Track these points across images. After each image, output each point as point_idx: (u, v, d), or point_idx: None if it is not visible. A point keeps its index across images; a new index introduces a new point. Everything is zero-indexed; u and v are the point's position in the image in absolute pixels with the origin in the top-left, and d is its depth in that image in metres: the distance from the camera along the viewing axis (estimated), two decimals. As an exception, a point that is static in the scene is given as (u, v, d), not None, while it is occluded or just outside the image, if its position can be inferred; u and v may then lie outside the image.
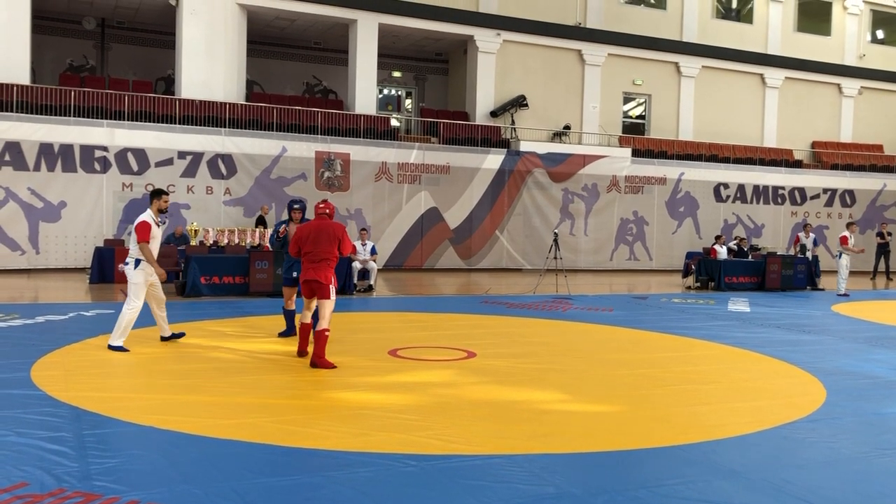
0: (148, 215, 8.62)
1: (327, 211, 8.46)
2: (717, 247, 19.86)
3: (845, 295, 17.79)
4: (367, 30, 22.98)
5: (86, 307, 12.13)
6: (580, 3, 25.82)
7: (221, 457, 5.01)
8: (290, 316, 9.74)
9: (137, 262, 8.52)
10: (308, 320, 8.51)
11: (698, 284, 19.08)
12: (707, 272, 19.11)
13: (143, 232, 8.48)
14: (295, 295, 9.63)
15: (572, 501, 4.39)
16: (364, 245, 16.41)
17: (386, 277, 19.38)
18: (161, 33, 23.21)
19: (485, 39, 24.40)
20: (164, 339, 9.10)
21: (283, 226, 9.83)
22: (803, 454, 5.52)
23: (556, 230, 19.81)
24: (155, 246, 8.61)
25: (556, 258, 16.96)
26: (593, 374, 8.14)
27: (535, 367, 8.34)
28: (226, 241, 15.85)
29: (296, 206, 9.68)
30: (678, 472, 4.98)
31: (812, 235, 20.98)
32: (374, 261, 16.46)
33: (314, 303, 8.42)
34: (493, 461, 5.05)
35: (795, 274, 19.43)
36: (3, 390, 6.55)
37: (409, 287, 17.68)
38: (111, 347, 8.47)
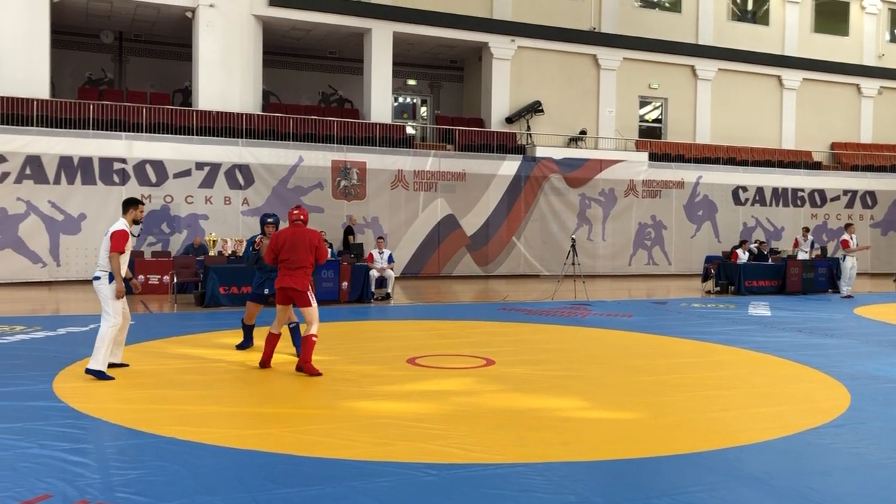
0: (123, 224, 7.90)
1: (301, 217, 8.33)
2: (739, 251, 19.68)
3: (849, 297, 17.72)
4: (381, 39, 23.08)
5: (107, 318, 12.19)
6: (594, 8, 25.79)
7: (243, 467, 5.02)
8: (249, 329, 9.60)
9: (112, 275, 7.76)
10: (277, 331, 8.38)
11: (718, 289, 18.94)
12: (727, 276, 18.96)
13: (120, 241, 7.72)
14: (258, 312, 9.51)
15: (594, 510, 4.36)
16: (381, 253, 16.43)
17: (403, 285, 19.38)
18: (178, 45, 23.41)
19: (499, 46, 24.42)
20: (110, 364, 7.88)
21: (258, 238, 9.58)
22: (827, 460, 5.45)
23: (573, 236, 19.71)
24: (125, 259, 7.85)
25: (573, 264, 16.90)
26: (613, 380, 8.09)
27: (554, 375, 8.30)
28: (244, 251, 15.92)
29: (269, 221, 9.47)
30: (700, 479, 4.93)
31: (810, 238, 20.76)
32: (392, 269, 16.47)
33: (286, 313, 8.38)
34: (513, 470, 5.02)
35: (816, 277, 19.25)
36: (26, 402, 6.61)
37: (426, 295, 17.67)
38: (90, 372, 7.57)
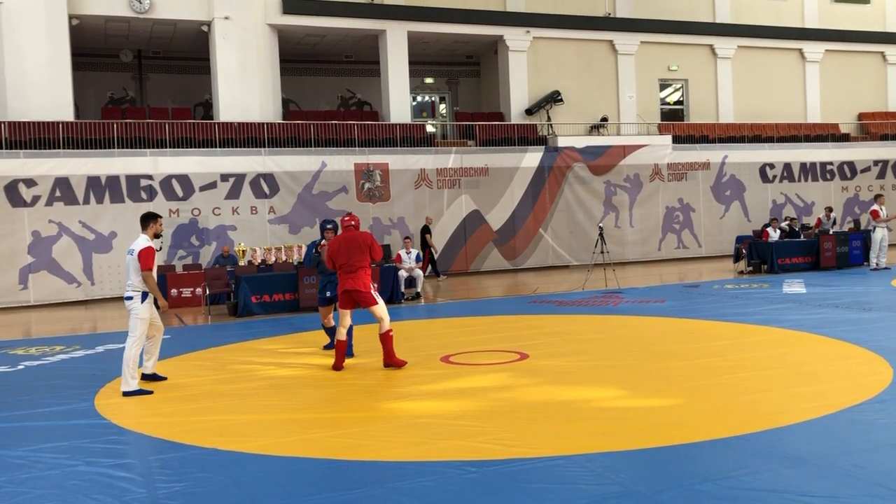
0: (147, 241, 7.94)
1: (353, 223, 8.73)
2: (769, 229, 19.44)
3: (886, 268, 17.47)
4: (396, 39, 23.11)
5: (143, 334, 12.36)
6: (608, -6, 25.60)
7: (284, 474, 5.06)
8: (331, 332, 9.84)
9: (144, 295, 7.84)
10: (343, 337, 8.61)
11: (750, 268, 18.72)
12: (759, 255, 18.74)
13: (148, 258, 7.77)
14: (331, 313, 9.79)
15: (638, 499, 4.33)
16: (409, 253, 16.47)
17: (432, 284, 19.42)
18: (196, 60, 23.65)
19: (514, 38, 24.34)
20: (145, 376, 8.12)
21: (321, 243, 9.82)
22: (873, 437, 5.36)
23: (600, 224, 19.60)
24: (154, 274, 7.91)
25: (602, 252, 16.80)
26: (649, 367, 8.02)
27: (589, 365, 8.27)
28: (273, 259, 16.07)
29: (328, 227, 9.73)
30: (743, 462, 4.87)
31: (833, 217, 20.47)
32: (420, 268, 16.50)
33: (349, 317, 8.62)
34: (554, 463, 5.01)
35: (851, 250, 18.93)
36: (70, 421, 6.72)
37: (456, 292, 17.68)
38: (126, 394, 7.65)
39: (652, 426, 5.83)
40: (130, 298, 7.88)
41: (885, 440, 5.26)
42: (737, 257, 20.02)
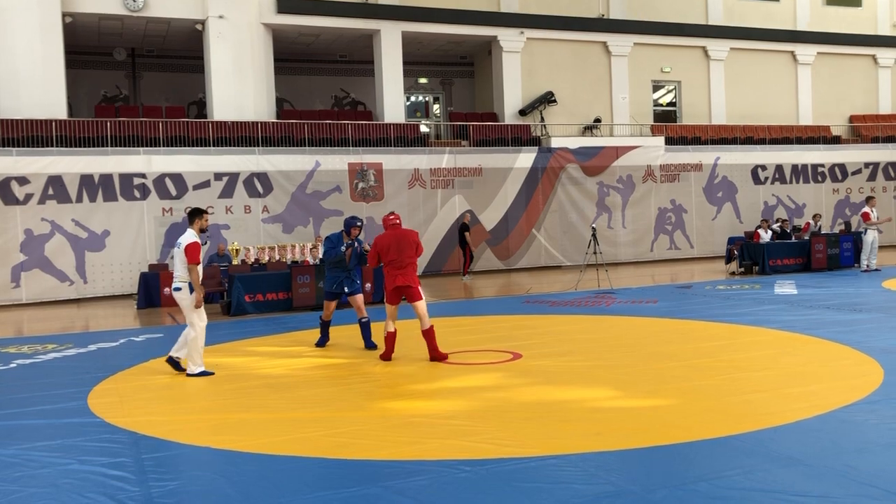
0: (193, 235, 8.33)
1: (398, 221, 9.08)
2: (760, 231, 19.54)
3: (876, 270, 17.61)
4: (390, 39, 23.10)
5: (135, 332, 12.36)
6: (602, -5, 25.67)
7: (278, 473, 5.07)
8: (325, 326, 10.16)
9: (192, 286, 8.26)
10: (393, 329, 8.90)
11: (742, 269, 18.80)
12: (750, 256, 18.82)
13: (194, 253, 8.19)
14: (334, 308, 10.11)
15: (631, 499, 4.36)
16: (403, 253, 16.45)
17: (426, 283, 19.38)
18: (190, 58, 23.58)
19: (508, 39, 24.36)
20: (170, 360, 8.63)
21: (353, 246, 9.94)
22: (864, 437, 5.40)
23: (593, 224, 19.66)
24: (199, 267, 8.38)
25: (595, 253, 16.84)
26: (642, 368, 8.06)
27: (582, 365, 8.30)
28: (267, 258, 16.05)
29: (357, 223, 10.00)
30: (736, 462, 4.91)
31: (819, 224, 20.57)
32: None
33: (396, 311, 8.94)
34: (547, 462, 5.03)
35: (842, 252, 19.03)
36: (63, 419, 6.71)
37: (449, 291, 17.70)
38: (191, 376, 8.29)
39: (645, 426, 5.86)
40: (179, 289, 8.30)
41: (876, 440, 5.30)
42: (728, 258, 20.10)
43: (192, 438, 5.93)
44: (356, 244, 10.01)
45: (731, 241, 20.93)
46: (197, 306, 8.31)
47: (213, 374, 8.33)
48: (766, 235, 19.43)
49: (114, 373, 8.83)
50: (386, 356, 8.96)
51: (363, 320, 9.84)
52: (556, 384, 7.41)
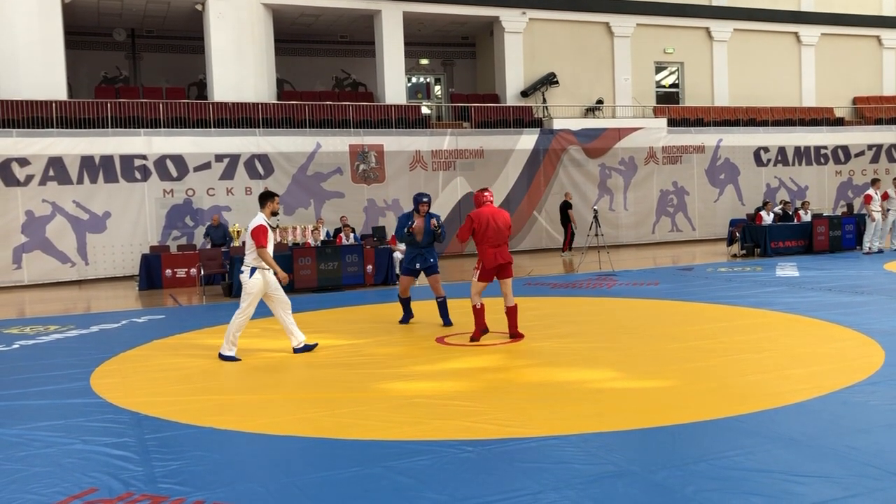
0: (262, 219, 8.23)
1: (491, 199, 9.05)
2: (762, 213, 19.50)
3: (879, 252, 17.60)
4: (391, 19, 22.96)
5: (137, 314, 12.39)
6: (605, -25, 25.47)
7: (280, 453, 5.09)
8: (406, 302, 10.27)
9: (253, 269, 8.17)
10: (480, 304, 8.90)
11: (744, 252, 18.79)
12: (752, 238, 18.79)
13: (261, 236, 8.08)
14: (411, 284, 10.23)
15: (632, 479, 4.37)
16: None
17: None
18: (190, 39, 23.46)
19: (510, 19, 24.21)
20: (296, 350, 8.45)
21: (412, 219, 10.01)
22: (865, 418, 5.40)
23: (595, 207, 19.65)
24: (270, 249, 8.24)
25: (597, 235, 16.83)
26: (644, 349, 8.07)
27: (584, 347, 8.31)
28: (268, 240, 16.01)
29: (424, 200, 10.06)
30: (737, 443, 4.92)
31: (810, 212, 20.48)
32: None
33: (484, 287, 8.96)
34: (549, 443, 5.05)
35: (844, 234, 19.00)
36: (66, 400, 6.73)
37: (451, 274, 17.69)
38: (223, 357, 8.22)
39: (646, 407, 5.87)
40: (242, 272, 8.29)
41: (877, 421, 5.31)
42: (730, 241, 20.08)
43: (195, 419, 5.95)
44: (430, 219, 9.95)
45: (733, 223, 20.89)
46: (283, 283, 8.25)
47: (240, 360, 8.19)
48: (768, 218, 19.40)
49: (116, 354, 8.85)
50: (478, 332, 8.87)
51: (441, 300, 9.96)
52: (558, 365, 7.42)
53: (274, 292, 8.39)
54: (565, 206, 21.05)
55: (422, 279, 10.53)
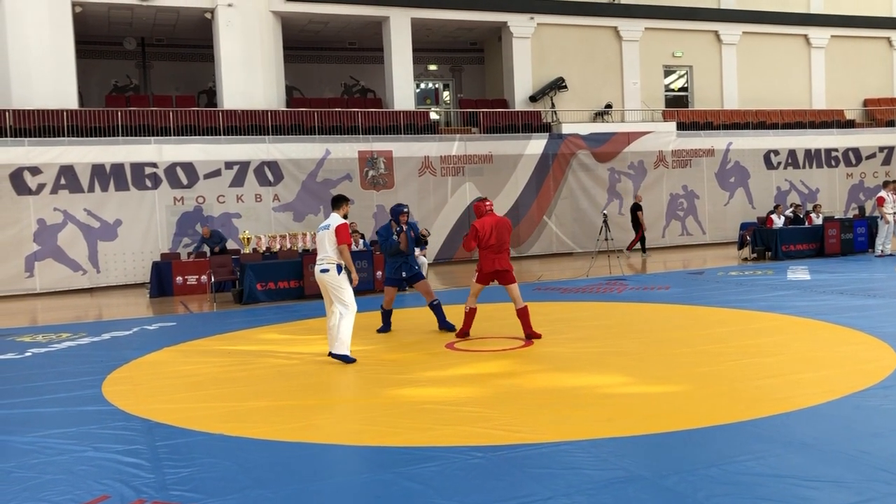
0: (340, 219, 8.36)
1: (491, 208, 9.40)
2: (774, 216, 19.42)
3: (891, 255, 17.48)
4: (399, 25, 23.03)
5: (148, 321, 12.44)
6: (613, -20, 25.47)
7: (291, 460, 5.09)
8: (387, 314, 10.23)
9: (339, 266, 8.19)
10: (474, 306, 9.29)
11: (755, 255, 18.71)
12: (763, 242, 18.71)
13: (345, 234, 8.22)
14: (394, 294, 10.20)
15: (643, 484, 4.36)
16: (413, 240, 16.44)
17: (437, 271, 19.43)
18: (199, 47, 23.59)
19: (519, 24, 24.24)
20: (332, 355, 8.31)
21: (398, 228, 10.05)
22: (878, 422, 5.37)
23: (604, 211, 19.60)
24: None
25: (606, 239, 16.79)
26: (654, 354, 8.04)
27: (594, 351, 8.29)
28: (278, 246, 16.08)
29: (404, 210, 10.18)
30: (748, 447, 4.89)
31: (821, 215, 20.34)
32: (425, 255, 16.50)
33: (481, 291, 9.29)
34: (559, 448, 5.03)
35: (856, 237, 18.89)
36: (78, 407, 6.77)
37: (460, 279, 17.69)
38: (335, 356, 8.18)
39: (657, 412, 5.85)
40: (327, 271, 8.23)
41: (889, 426, 5.28)
42: (741, 244, 19.99)
43: (206, 426, 5.97)
44: (410, 229, 10.09)
45: (744, 226, 20.80)
46: (354, 284, 8.31)
47: (355, 360, 8.14)
48: (778, 221, 19.32)
49: (127, 361, 8.89)
50: (463, 332, 9.27)
51: (434, 303, 9.99)
52: (568, 371, 7.40)
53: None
54: (635, 208, 21.73)
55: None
